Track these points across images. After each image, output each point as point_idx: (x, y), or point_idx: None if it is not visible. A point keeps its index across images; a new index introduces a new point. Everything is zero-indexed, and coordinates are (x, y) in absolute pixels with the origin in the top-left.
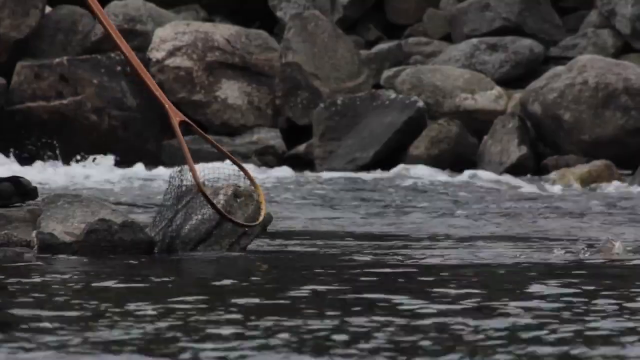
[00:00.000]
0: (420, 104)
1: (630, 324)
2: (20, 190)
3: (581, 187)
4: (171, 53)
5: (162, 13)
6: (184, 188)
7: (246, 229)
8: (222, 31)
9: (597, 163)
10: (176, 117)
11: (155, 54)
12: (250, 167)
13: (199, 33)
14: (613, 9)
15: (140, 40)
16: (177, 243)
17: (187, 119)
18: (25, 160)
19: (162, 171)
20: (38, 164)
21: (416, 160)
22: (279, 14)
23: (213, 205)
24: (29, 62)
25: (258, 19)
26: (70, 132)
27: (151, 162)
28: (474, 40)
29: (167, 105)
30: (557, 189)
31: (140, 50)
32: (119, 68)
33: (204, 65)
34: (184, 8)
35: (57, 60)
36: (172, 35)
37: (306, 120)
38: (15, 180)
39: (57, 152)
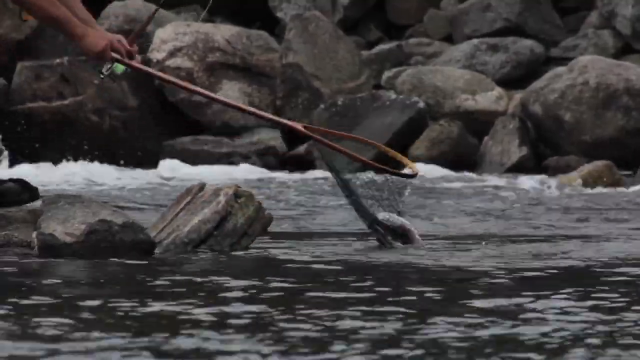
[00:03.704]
0: (421, 104)
1: None
2: (26, 188)
3: (581, 187)
4: (172, 54)
5: (163, 14)
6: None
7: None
8: (222, 32)
9: (598, 164)
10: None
11: (156, 55)
12: (252, 168)
13: (200, 34)
14: (613, 9)
15: (140, 41)
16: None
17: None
18: (26, 160)
19: (161, 171)
20: (39, 164)
21: (417, 161)
22: (279, 14)
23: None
24: (29, 62)
25: (259, 19)
26: (71, 132)
27: (152, 163)
28: (475, 41)
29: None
30: (557, 189)
31: (140, 51)
32: None
33: (204, 66)
34: (184, 9)
35: (58, 60)
36: (172, 36)
37: (307, 121)
38: (16, 181)
39: (58, 152)
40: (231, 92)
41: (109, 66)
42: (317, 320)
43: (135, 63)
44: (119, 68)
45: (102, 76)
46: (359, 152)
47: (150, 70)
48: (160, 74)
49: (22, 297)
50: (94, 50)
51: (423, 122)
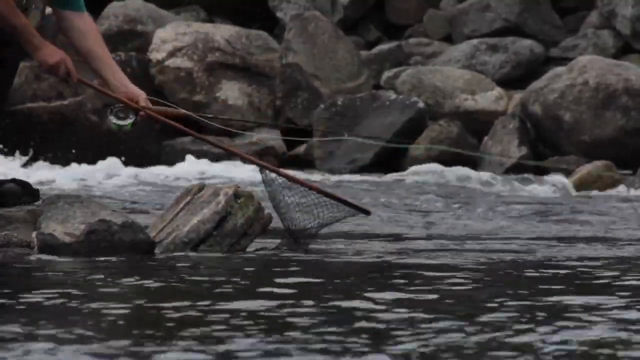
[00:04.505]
0: (421, 104)
1: None
2: (27, 190)
3: (580, 187)
4: (172, 54)
5: (163, 14)
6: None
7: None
8: (222, 32)
9: (597, 164)
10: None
11: (156, 55)
12: (252, 168)
13: (200, 34)
14: (613, 9)
15: (140, 41)
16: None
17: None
18: (26, 161)
19: (161, 171)
20: (39, 164)
21: (416, 161)
22: (279, 14)
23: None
24: (29, 62)
25: (258, 19)
26: (71, 132)
27: (151, 163)
28: (475, 41)
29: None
30: (556, 189)
31: (140, 51)
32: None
33: (204, 66)
34: (184, 9)
35: None
36: (172, 36)
37: (306, 121)
38: (17, 182)
39: (58, 152)
40: (230, 92)
41: (121, 117)
42: (316, 319)
43: (154, 113)
44: (129, 124)
45: (109, 113)
46: (363, 148)
47: (171, 122)
48: (179, 125)
49: (22, 297)
50: (48, 62)
51: (423, 122)
